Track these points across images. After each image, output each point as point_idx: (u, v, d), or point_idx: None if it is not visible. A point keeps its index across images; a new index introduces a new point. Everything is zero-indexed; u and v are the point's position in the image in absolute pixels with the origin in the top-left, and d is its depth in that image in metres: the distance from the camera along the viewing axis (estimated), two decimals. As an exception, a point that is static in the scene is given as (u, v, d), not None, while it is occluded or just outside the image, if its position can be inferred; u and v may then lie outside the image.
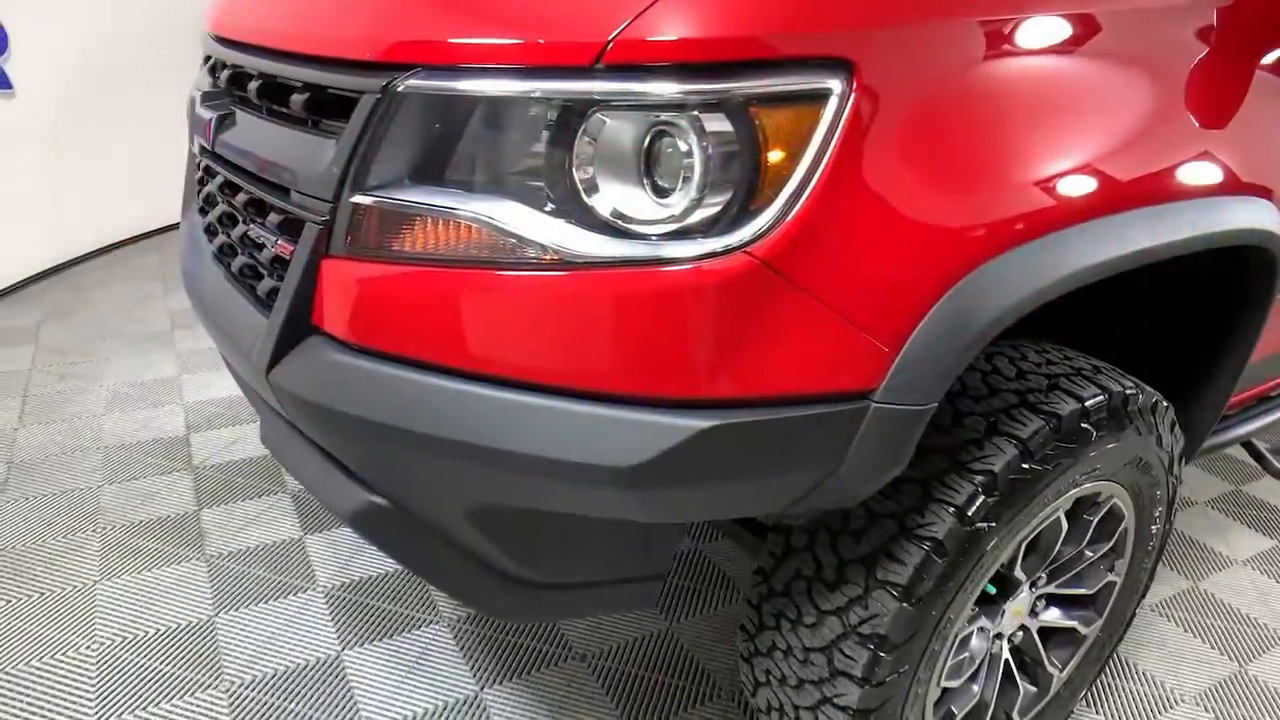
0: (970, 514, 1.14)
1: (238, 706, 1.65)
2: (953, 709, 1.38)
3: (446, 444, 1.01)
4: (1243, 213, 1.31)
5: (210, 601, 1.92)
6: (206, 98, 1.39)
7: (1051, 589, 1.46)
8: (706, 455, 0.95)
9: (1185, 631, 2.05)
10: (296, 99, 1.13)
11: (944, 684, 1.30)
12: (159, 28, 3.93)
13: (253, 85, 1.25)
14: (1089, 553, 1.45)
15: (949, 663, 1.29)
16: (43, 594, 1.91)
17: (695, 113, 0.88)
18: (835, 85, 0.90)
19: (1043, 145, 1.01)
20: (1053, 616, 1.50)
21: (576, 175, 0.93)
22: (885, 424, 0.98)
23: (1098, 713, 1.80)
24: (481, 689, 1.74)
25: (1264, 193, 1.37)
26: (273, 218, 1.19)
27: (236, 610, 1.90)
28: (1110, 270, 1.07)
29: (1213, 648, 2.01)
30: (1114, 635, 1.63)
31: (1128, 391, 1.28)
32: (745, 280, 0.90)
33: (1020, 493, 1.17)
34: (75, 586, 1.94)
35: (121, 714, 1.62)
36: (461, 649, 1.84)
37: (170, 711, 1.63)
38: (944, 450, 1.20)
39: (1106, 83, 1.08)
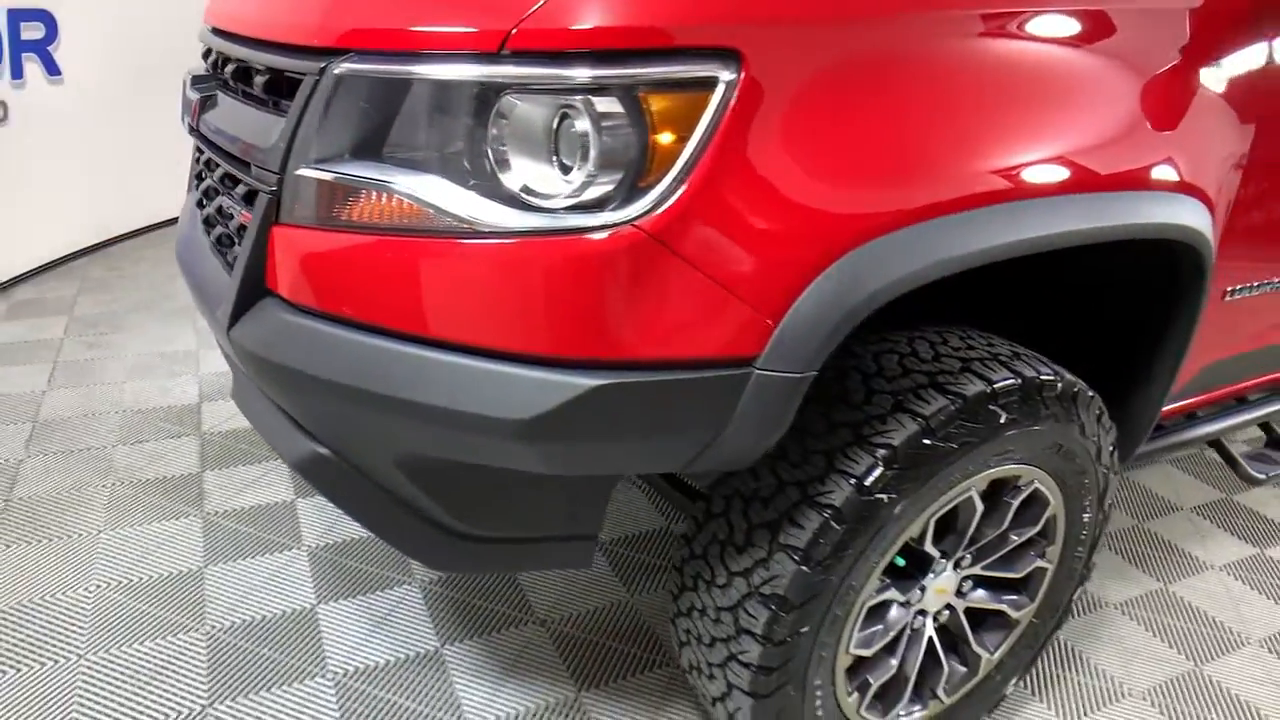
0: (868, 484, 1.20)
1: (215, 649, 1.78)
2: (869, 679, 1.43)
3: (372, 396, 1.10)
4: (1167, 210, 1.35)
5: (202, 554, 2.05)
6: (195, 81, 1.51)
7: (978, 570, 1.50)
8: (597, 412, 1.03)
9: (1145, 630, 2.07)
10: (258, 81, 1.24)
11: (855, 651, 1.36)
12: (198, 18, 4.12)
13: (229, 69, 1.36)
14: (1014, 536, 1.49)
15: (858, 631, 1.35)
16: (51, 539, 2.07)
17: (589, 96, 0.96)
18: (723, 74, 0.97)
19: (926, 137, 1.06)
20: (980, 598, 1.55)
21: (490, 153, 1.02)
22: (766, 390, 1.05)
23: (1041, 700, 1.83)
24: (442, 645, 1.85)
25: (1195, 193, 1.40)
26: (239, 190, 1.31)
27: (225, 563, 2.03)
28: (1001, 255, 1.13)
29: (1171, 647, 2.02)
30: (1050, 622, 1.66)
31: (1043, 378, 1.33)
32: (633, 252, 0.98)
33: (921, 467, 1.23)
34: (81, 534, 2.09)
35: (110, 649, 1.75)
36: (429, 608, 1.95)
37: (153, 650, 1.76)
38: (850, 425, 1.26)
39: (1005, 77, 1.13)
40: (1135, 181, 1.28)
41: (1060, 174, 1.17)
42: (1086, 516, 1.56)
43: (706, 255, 1.00)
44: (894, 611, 1.43)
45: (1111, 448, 1.52)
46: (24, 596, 1.88)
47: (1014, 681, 1.67)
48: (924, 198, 1.06)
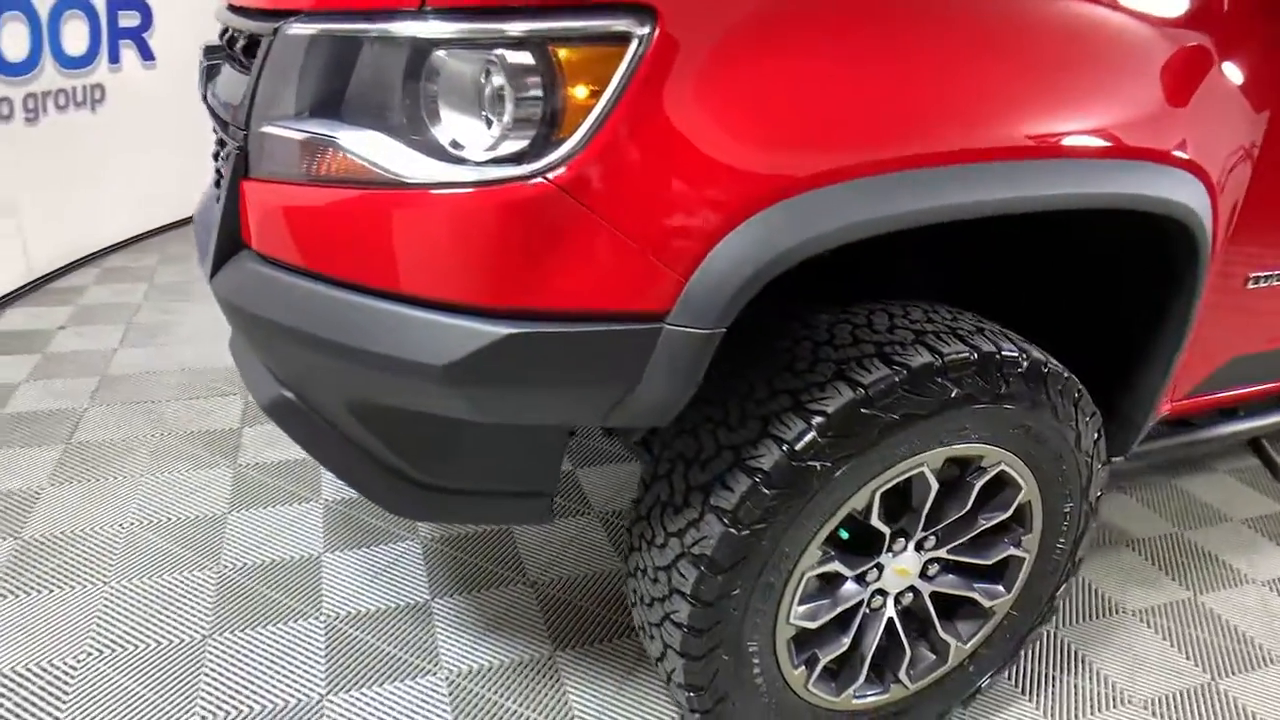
0: (798, 449, 1.19)
1: (224, 587, 1.90)
2: (817, 653, 1.42)
3: (317, 340, 1.17)
4: (1150, 182, 1.28)
5: (227, 501, 2.19)
6: (205, 52, 1.62)
7: (943, 554, 1.46)
8: (512, 360, 1.06)
9: (1163, 639, 1.95)
10: (239, 45, 1.33)
11: (798, 623, 1.35)
12: (282, 10, 4.34)
13: (225, 37, 1.46)
14: (982, 520, 1.44)
15: (799, 603, 1.33)
16: (98, 480, 2.25)
17: (505, 51, 0.99)
18: (637, 29, 0.99)
19: (842, 98, 1.04)
20: (948, 583, 1.50)
21: (424, 109, 1.07)
22: (676, 346, 1.06)
23: (1030, 699, 1.76)
24: (433, 598, 1.92)
25: (1191, 168, 1.32)
26: (227, 148, 1.40)
27: (246, 510, 2.17)
28: (930, 219, 1.10)
29: (1189, 659, 1.90)
30: (1032, 616, 1.59)
31: (1003, 354, 1.28)
32: (543, 203, 1.01)
33: (857, 437, 1.21)
34: (124, 477, 2.27)
35: (131, 579, 1.90)
36: (427, 564, 2.03)
37: (167, 584, 1.90)
38: (791, 391, 1.25)
39: (941, 30, 1.10)
40: (1109, 149, 1.22)
41: (1006, 135, 1.13)
42: (1068, 507, 1.50)
43: (616, 209, 1.02)
44: (846, 587, 1.41)
45: (1096, 435, 1.45)
46: (66, 528, 2.06)
47: (990, 675, 1.62)
48: (838, 160, 1.04)
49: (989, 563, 1.49)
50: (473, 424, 1.21)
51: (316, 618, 1.84)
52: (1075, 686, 1.81)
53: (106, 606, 1.81)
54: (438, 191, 1.05)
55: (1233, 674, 1.87)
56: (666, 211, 1.02)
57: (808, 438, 1.20)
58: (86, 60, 3.63)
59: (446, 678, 1.72)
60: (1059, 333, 1.63)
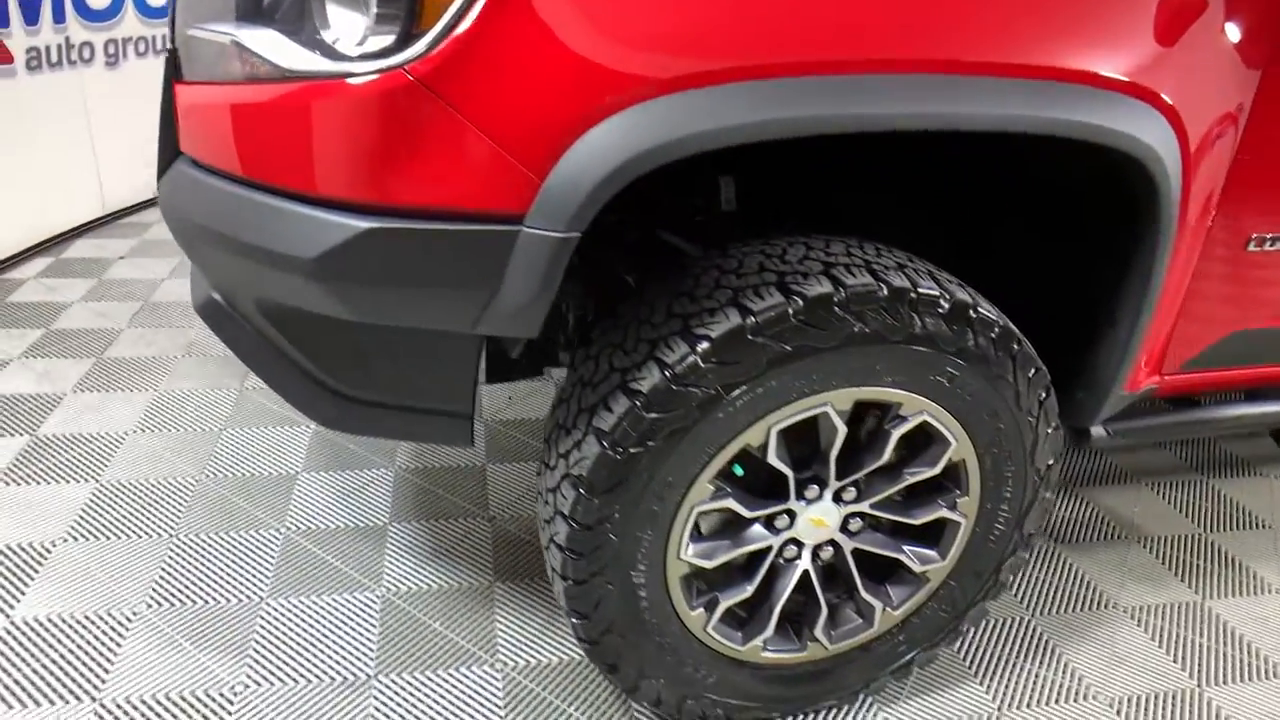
0: (679, 372, 1.15)
1: (289, 544, 1.91)
2: (719, 596, 1.37)
3: (219, 236, 1.21)
4: (1105, 111, 1.16)
5: (303, 460, 2.19)
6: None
7: (865, 508, 1.38)
8: (375, 256, 1.07)
9: (1152, 640, 1.79)
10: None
11: (690, 559, 1.30)
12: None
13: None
14: (907, 475, 1.36)
15: (691, 539, 1.29)
16: (182, 430, 2.31)
17: None
18: (501, -83, 0.97)
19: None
20: (872, 542, 1.42)
21: (312, 6, 1.09)
22: (534, 249, 1.04)
23: (980, 681, 1.65)
24: (390, 522, 1.97)
25: (1156, 103, 1.19)
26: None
27: (321, 473, 2.15)
28: (810, 129, 1.03)
29: (1176, 661, 1.74)
30: (973, 590, 1.49)
31: (920, 291, 1.20)
32: (400, 96, 1.00)
33: (743, 365, 1.16)
34: (208, 430, 2.32)
35: (200, 533, 1.97)
36: (394, 491, 2.08)
37: (237, 539, 1.96)
38: (683, 315, 1.21)
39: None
40: (1054, 71, 1.11)
41: (913, 44, 1.04)
42: (1010, 472, 1.39)
43: (474, 105, 1.00)
44: (752, 530, 1.36)
45: (1042, 394, 1.34)
46: (143, 475, 2.10)
47: (924, 649, 1.52)
48: (705, 64, 0.99)
49: (917, 523, 1.41)
50: (373, 331, 1.23)
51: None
52: (1035, 675, 1.68)
53: (173, 557, 1.81)
54: (308, 83, 1.06)
55: (1224, 683, 1.70)
56: (523, 109, 1.00)
57: (688, 361, 1.16)
58: (166, 11, 3.87)
59: (382, 595, 1.76)
60: (1033, 290, 1.52)
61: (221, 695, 1.50)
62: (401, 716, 1.49)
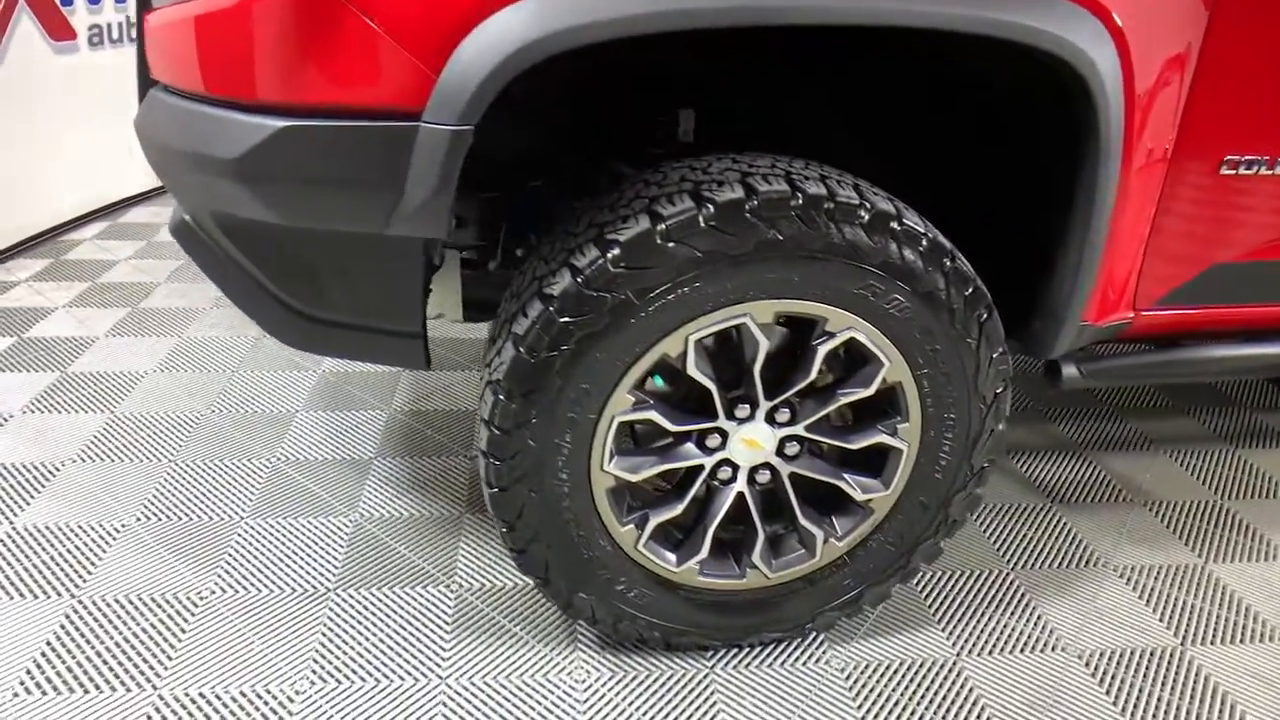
0: (588, 276, 1.16)
1: (276, 472, 2.09)
2: (649, 513, 1.37)
3: (169, 148, 1.28)
4: (1026, 9, 1.12)
5: (304, 400, 2.28)
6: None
7: (800, 430, 1.36)
8: (289, 155, 1.12)
9: (1139, 599, 1.70)
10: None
11: (614, 471, 1.31)
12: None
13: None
14: (840, 396, 1.33)
15: (616, 451, 1.30)
16: (197, 371, 2.44)
17: None
18: None
19: None
20: (810, 467, 1.40)
21: None
22: (432, 144, 1.07)
23: (942, 627, 1.60)
24: (375, 457, 2.04)
25: (1088, 4, 1.14)
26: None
27: (319, 412, 2.23)
28: (707, 21, 1.02)
29: (1162, 620, 1.65)
30: (920, 524, 1.45)
31: (838, 199, 1.17)
32: (303, -3, 1.06)
33: (653, 269, 1.16)
34: (221, 371, 2.46)
35: (201, 459, 2.15)
36: (385, 430, 2.14)
37: (228, 466, 2.13)
38: (600, 224, 1.22)
39: None
40: None
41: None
42: (951, 397, 1.35)
43: (372, 3, 1.04)
44: (683, 448, 1.35)
45: (981, 314, 1.29)
46: (154, 409, 2.23)
47: (871, 585, 1.48)
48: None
49: (854, 448, 1.38)
50: (315, 243, 1.28)
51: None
52: (1002, 624, 1.62)
53: (170, 477, 1.93)
54: (229, -5, 1.12)
55: (1210, 644, 1.60)
56: (417, 6, 1.03)
57: (597, 264, 1.17)
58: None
59: (355, 520, 1.82)
60: (990, 216, 1.47)
61: (188, 599, 1.58)
62: (352, 627, 1.54)
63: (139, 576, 1.63)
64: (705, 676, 1.48)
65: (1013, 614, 1.66)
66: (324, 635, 1.52)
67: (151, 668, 1.43)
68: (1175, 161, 1.34)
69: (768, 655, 1.53)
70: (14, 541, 1.71)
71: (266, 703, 1.38)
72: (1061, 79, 1.18)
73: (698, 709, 1.42)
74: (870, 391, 1.33)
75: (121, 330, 2.63)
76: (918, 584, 1.72)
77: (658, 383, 1.31)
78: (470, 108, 1.04)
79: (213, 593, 1.60)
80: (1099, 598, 1.71)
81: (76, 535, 1.73)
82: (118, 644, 1.47)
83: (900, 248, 1.22)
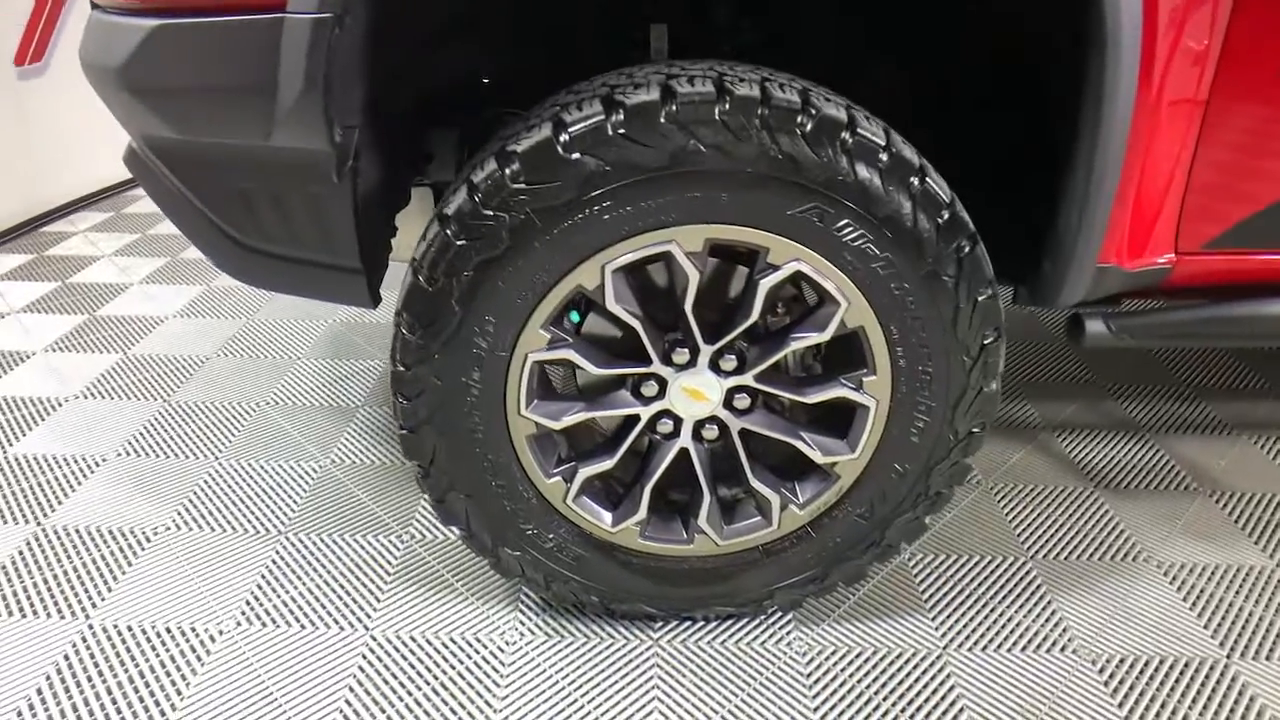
0: (485, 192, 1.04)
1: (262, 416, 2.12)
2: (579, 467, 1.24)
3: (90, 68, 1.24)
4: None
5: (308, 349, 2.29)
6: None
7: (750, 381, 1.20)
8: (166, 57, 1.05)
9: (1182, 600, 1.45)
10: None
11: (532, 417, 1.18)
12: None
13: None
14: (793, 340, 1.15)
15: (533, 395, 1.17)
16: (256, 358, 2.57)
17: None
18: None
19: None
20: (763, 423, 1.23)
21: None
22: (297, 35, 0.97)
23: (932, 615, 1.40)
24: (361, 405, 1.99)
25: None
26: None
27: (320, 360, 2.22)
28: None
29: (1206, 627, 1.39)
30: (895, 495, 1.25)
31: (773, 102, 1.00)
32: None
33: (555, 184, 1.02)
34: (283, 358, 2.57)
35: (186, 402, 2.20)
36: (380, 379, 2.10)
37: (217, 408, 2.16)
38: (505, 137, 1.09)
39: None
40: None
41: None
42: (926, 346, 1.15)
43: (234, -121, 0.95)
44: (617, 395, 1.22)
45: (962, 246, 1.08)
46: (170, 351, 2.35)
47: (841, 562, 1.30)
48: None
49: (810, 402, 1.20)
50: (238, 166, 1.22)
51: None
52: (1005, 618, 1.41)
53: (152, 421, 1.96)
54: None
55: (1265, 659, 1.34)
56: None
57: (494, 179, 1.04)
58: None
59: (324, 466, 1.77)
60: (995, 141, 1.26)
61: (143, 534, 1.57)
62: (293, 570, 1.49)
63: (104, 509, 1.63)
64: (648, 649, 1.35)
65: (1021, 608, 1.44)
66: (262, 577, 1.48)
67: (90, 598, 1.42)
68: (1225, 65, 1.09)
69: (724, 631, 1.38)
70: (2, 472, 1.76)
71: (188, 639, 1.35)
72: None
73: (630, 682, 1.29)
74: (826, 336, 1.15)
75: (157, 278, 2.70)
76: (913, 566, 1.52)
77: (573, 319, 1.17)
78: (328, -5, 0.94)
79: (167, 529, 1.58)
80: (1132, 596, 1.47)
81: (60, 466, 1.76)
82: (65, 573, 1.47)
83: (852, 162, 1.03)
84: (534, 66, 1.51)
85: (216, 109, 1.09)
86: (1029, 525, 1.64)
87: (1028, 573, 1.52)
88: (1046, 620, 1.42)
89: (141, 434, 1.88)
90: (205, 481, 1.72)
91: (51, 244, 2.95)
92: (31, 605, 1.41)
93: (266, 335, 2.33)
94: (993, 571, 1.52)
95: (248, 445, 1.84)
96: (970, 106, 1.37)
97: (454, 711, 1.24)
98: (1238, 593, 1.48)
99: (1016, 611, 1.43)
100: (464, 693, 1.27)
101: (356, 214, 1.28)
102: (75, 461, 1.78)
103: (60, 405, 1.98)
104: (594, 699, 1.26)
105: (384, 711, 1.24)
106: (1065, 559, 1.55)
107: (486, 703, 1.25)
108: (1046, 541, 1.60)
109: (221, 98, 1.07)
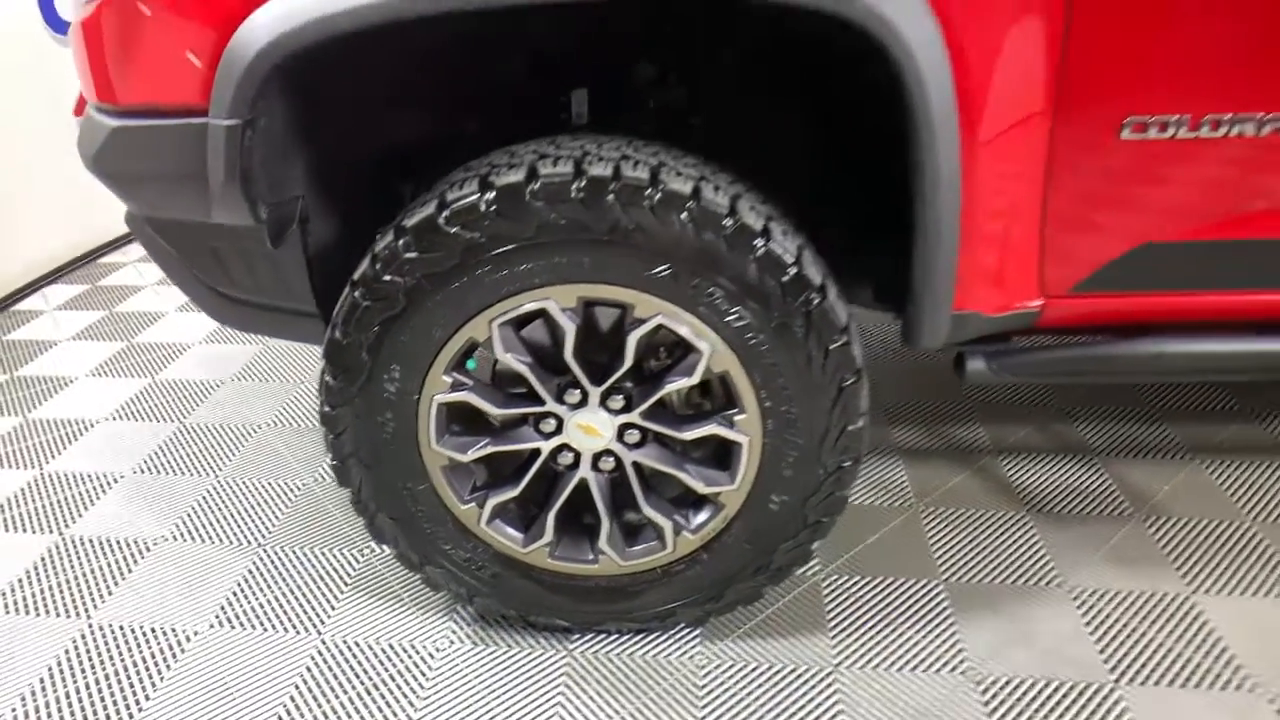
0: (381, 260, 1.21)
1: (260, 439, 2.37)
2: (489, 495, 1.38)
3: (82, 158, 1.45)
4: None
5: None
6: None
7: (637, 419, 1.32)
8: (124, 151, 1.24)
9: (1084, 625, 1.50)
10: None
11: (443, 451, 1.33)
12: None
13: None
14: (667, 384, 1.27)
15: (444, 432, 1.32)
16: (268, 381, 2.81)
17: None
18: None
19: None
20: (652, 457, 1.35)
21: None
22: (216, 137, 1.14)
23: (831, 635, 1.50)
24: (352, 428, 2.19)
25: None
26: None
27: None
28: (425, 8, 1.03)
29: (1101, 653, 1.45)
30: (776, 524, 1.35)
31: (624, 179, 1.13)
32: (115, 11, 1.17)
33: (440, 254, 1.18)
34: (292, 380, 2.82)
35: (200, 422, 2.45)
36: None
37: (228, 430, 2.41)
38: (403, 213, 1.25)
39: None
40: None
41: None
42: (788, 390, 1.25)
43: (163, 12, 1.13)
44: (520, 431, 1.36)
45: (811, 299, 1.18)
46: (194, 376, 2.68)
47: (734, 583, 1.42)
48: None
49: (687, 438, 1.32)
50: (206, 230, 1.41)
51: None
52: (903, 639, 1.49)
53: (166, 441, 2.21)
54: (80, 18, 1.26)
55: (1153, 684, 1.39)
56: (195, 12, 1.12)
57: (388, 249, 1.20)
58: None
59: (306, 483, 1.97)
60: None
61: (144, 544, 1.80)
62: (266, 577, 1.69)
63: (114, 522, 1.87)
64: (561, 659, 1.49)
65: (921, 629, 1.52)
66: (239, 584, 1.68)
67: (93, 600, 1.65)
68: (1059, 124, 1.16)
69: (634, 643, 1.51)
70: (41, 486, 2.02)
71: (168, 638, 1.55)
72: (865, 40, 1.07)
73: (539, 689, 1.43)
74: (694, 380, 1.27)
75: (189, 306, 2.96)
76: (825, 586, 1.62)
77: (470, 366, 1.32)
78: (235, 105, 1.11)
79: (166, 539, 1.81)
80: (1034, 621, 1.53)
81: (85, 482, 2.01)
82: (76, 578, 1.70)
83: (697, 230, 1.15)
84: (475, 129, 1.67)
85: (166, 194, 1.28)
86: (950, 549, 1.71)
87: (937, 595, 1.60)
88: (944, 642, 1.50)
89: (156, 453, 2.11)
90: (204, 497, 1.94)
91: (105, 274, 3.27)
92: (45, 606, 1.64)
93: (278, 361, 2.56)
94: (902, 593, 1.60)
95: (245, 464, 2.06)
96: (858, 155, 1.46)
97: (379, 711, 1.40)
98: (1143, 619, 1.53)
99: (916, 632, 1.52)
100: (390, 694, 1.43)
101: (310, 266, 1.47)
102: (98, 478, 2.03)
103: (93, 426, 2.24)
104: (505, 703, 1.41)
105: (320, 707, 1.41)
106: (978, 583, 1.62)
107: (410, 703, 1.42)
108: (963, 565, 1.67)
109: (168, 185, 1.26)
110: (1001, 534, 1.75)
